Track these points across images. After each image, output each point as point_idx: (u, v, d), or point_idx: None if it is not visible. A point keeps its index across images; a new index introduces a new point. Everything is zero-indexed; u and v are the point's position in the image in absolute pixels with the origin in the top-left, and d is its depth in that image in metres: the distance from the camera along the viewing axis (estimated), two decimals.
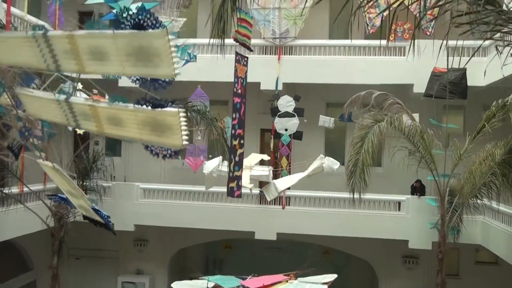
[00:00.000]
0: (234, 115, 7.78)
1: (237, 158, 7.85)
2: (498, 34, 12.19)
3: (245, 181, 11.26)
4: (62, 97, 2.65)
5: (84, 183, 12.65)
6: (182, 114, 2.56)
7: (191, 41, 15.43)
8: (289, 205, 14.56)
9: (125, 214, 14.76)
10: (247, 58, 7.86)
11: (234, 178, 7.95)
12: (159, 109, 2.58)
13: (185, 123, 2.59)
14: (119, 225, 15.02)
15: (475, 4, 5.05)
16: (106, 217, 4.68)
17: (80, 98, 2.73)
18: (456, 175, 11.72)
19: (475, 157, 10.71)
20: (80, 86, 12.58)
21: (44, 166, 3.61)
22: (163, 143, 2.76)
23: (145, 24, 2.27)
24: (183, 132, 2.57)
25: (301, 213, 14.37)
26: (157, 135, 2.67)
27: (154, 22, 2.26)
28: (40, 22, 13.53)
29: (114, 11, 5.88)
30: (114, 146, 16.50)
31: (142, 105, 2.62)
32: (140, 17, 2.27)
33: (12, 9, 12.13)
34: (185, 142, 2.60)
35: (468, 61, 7.80)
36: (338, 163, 11.69)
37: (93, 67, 2.63)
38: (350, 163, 10.32)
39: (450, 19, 5.34)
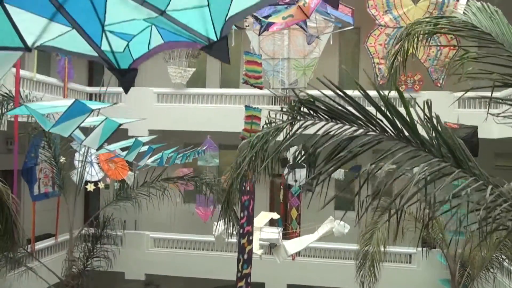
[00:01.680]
0: (242, 214, 7.76)
1: (245, 256, 7.82)
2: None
3: (255, 246, 11.25)
4: None
5: (95, 248, 12.74)
6: None
7: (200, 90, 15.47)
8: (299, 255, 14.53)
9: (136, 263, 14.85)
10: None
11: (242, 277, 7.93)
12: None
13: None
14: (130, 274, 15.17)
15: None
16: None
17: None
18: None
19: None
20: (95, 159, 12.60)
21: None
22: None
23: None
24: None
25: (311, 264, 14.35)
26: None
27: None
28: (50, 80, 13.63)
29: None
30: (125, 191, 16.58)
31: None
32: None
33: (21, 72, 12.15)
34: None
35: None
36: (348, 227, 11.62)
37: None
38: (359, 255, 10.25)
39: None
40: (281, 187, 14.52)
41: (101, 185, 13.29)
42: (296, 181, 14.25)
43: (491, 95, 4.78)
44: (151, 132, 15.06)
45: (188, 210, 15.38)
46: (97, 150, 4.37)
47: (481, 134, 13.01)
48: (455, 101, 10.34)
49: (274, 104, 14.78)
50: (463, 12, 5.50)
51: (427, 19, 5.43)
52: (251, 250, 7.94)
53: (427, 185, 4.19)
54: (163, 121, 15.01)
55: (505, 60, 4.89)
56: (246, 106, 11.10)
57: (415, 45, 5.29)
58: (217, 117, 14.72)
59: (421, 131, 4.28)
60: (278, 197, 14.74)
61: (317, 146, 4.04)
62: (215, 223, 12.52)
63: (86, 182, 13.04)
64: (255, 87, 10.38)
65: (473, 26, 5.11)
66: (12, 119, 11.54)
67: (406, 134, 4.16)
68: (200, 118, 14.82)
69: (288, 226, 14.30)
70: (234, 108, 14.44)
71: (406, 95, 13.41)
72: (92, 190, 13.22)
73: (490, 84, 5.32)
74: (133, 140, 4.91)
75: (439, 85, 13.95)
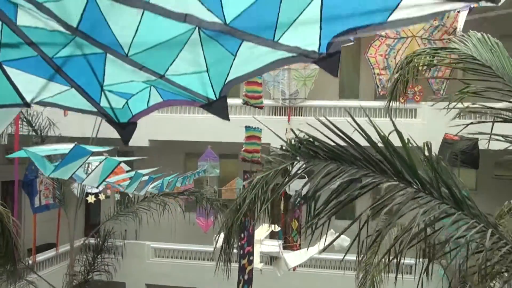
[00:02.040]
0: (242, 235, 7.75)
1: (246, 277, 7.83)
2: None
3: (256, 259, 11.25)
4: None
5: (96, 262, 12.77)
6: None
7: None
8: (299, 266, 14.53)
9: (137, 274, 14.87)
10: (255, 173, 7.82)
11: None
12: None
13: None
14: (131, 285, 15.19)
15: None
16: None
17: None
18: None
19: None
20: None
21: None
22: None
23: None
24: None
25: (313, 275, 14.36)
26: None
27: None
28: None
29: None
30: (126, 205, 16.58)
31: None
32: None
33: None
34: None
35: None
36: (349, 240, 11.61)
37: None
38: (360, 273, 10.25)
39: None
40: (282, 197, 14.51)
41: (101, 196, 13.29)
42: (296, 191, 14.23)
43: (491, 130, 4.77)
44: (152, 142, 15.11)
45: (189, 220, 15.37)
46: (97, 187, 4.38)
47: (482, 145, 13.02)
48: (461, 130, 10.27)
49: (275, 115, 14.77)
50: (460, 40, 5.49)
51: (427, 50, 5.42)
52: (251, 270, 7.95)
53: (427, 227, 4.19)
54: (164, 131, 15.02)
55: (505, 95, 4.88)
56: (246, 127, 11.10)
57: (415, 78, 5.29)
58: (218, 127, 14.69)
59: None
60: (279, 207, 14.72)
61: (317, 189, 4.04)
62: (216, 235, 12.57)
63: (87, 194, 13.05)
64: (255, 107, 10.39)
65: (473, 58, 5.11)
66: (13, 132, 11.56)
67: (406, 175, 4.16)
68: (200, 128, 14.81)
69: (289, 238, 14.28)
70: (234, 118, 14.41)
71: (407, 105, 13.23)
72: (92, 201, 13.23)
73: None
74: (133, 172, 4.92)
75: (440, 96, 13.94)
